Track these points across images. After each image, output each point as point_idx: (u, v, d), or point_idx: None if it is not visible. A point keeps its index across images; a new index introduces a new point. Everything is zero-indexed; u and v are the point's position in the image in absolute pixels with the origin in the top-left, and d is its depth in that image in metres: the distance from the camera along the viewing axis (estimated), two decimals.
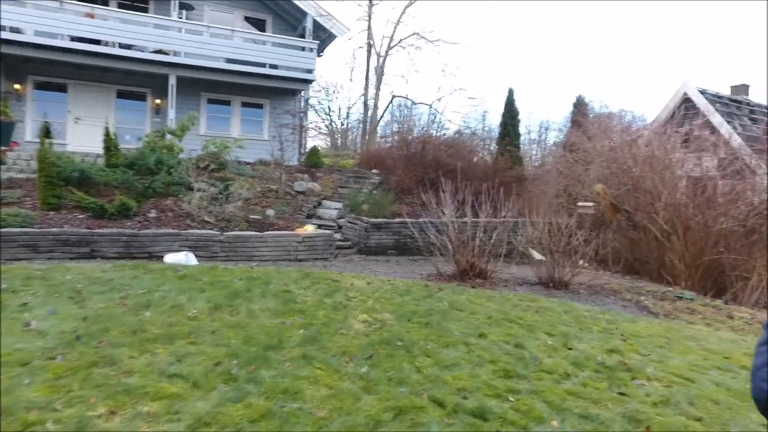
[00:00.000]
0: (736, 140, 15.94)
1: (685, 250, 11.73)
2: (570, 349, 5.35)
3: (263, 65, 18.61)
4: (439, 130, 21.47)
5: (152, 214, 10.95)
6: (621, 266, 12.08)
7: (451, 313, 6.28)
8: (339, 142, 36.51)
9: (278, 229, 11.30)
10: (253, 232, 10.54)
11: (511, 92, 22.55)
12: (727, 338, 6.63)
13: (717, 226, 11.47)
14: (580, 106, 22.19)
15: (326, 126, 40.43)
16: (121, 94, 18.70)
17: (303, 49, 19.23)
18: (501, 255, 9.43)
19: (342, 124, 38.04)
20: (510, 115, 21.84)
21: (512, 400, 3.89)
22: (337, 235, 12.94)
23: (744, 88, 22.50)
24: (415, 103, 23.26)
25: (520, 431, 3.42)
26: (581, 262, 9.43)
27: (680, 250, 11.71)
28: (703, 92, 19.16)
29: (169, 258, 8.56)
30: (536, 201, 13.11)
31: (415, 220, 11.56)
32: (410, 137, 18.56)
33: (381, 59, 23.04)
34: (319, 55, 22.86)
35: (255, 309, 5.86)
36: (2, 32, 14.91)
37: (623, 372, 4.72)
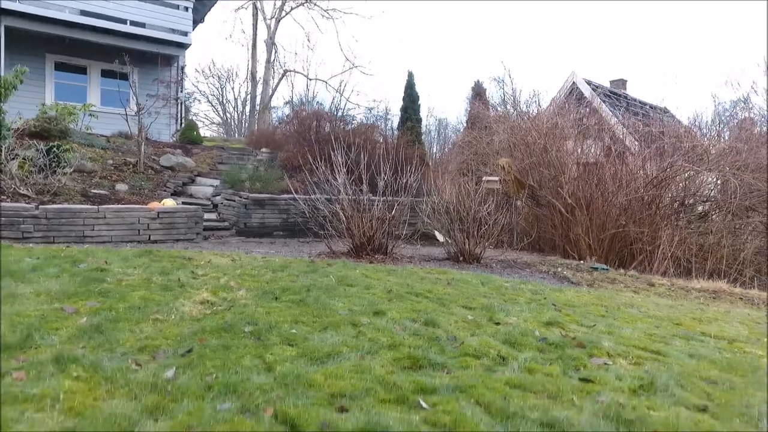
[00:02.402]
0: (620, 128, 16.25)
1: (590, 224, 11.18)
2: (497, 324, 3.88)
3: (124, 21, 15.54)
4: (342, 114, 19.71)
5: None
6: (527, 244, 11.25)
7: (338, 289, 4.57)
8: (236, 135, 33.31)
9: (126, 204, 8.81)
10: (87, 206, 8.00)
11: (411, 75, 21.38)
12: (664, 304, 5.66)
13: (618, 198, 11.06)
14: (478, 90, 21.72)
15: (219, 116, 36.86)
16: None
17: (177, 7, 16.39)
18: (402, 233, 7.94)
19: (239, 116, 34.88)
20: (410, 99, 20.70)
21: (426, 406, 2.26)
22: (212, 215, 10.67)
23: (622, 83, 23.79)
24: (311, 79, 21.24)
25: None
26: (487, 242, 8.27)
27: (585, 224, 11.13)
28: (589, 83, 19.68)
29: None
30: (440, 181, 11.90)
31: (307, 196, 9.67)
32: (304, 112, 16.61)
33: (271, 29, 20.71)
34: (200, 21, 20.00)
35: (28, 292, 3.69)
36: None
37: (575, 349, 3.31)
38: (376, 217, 7.32)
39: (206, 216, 9.89)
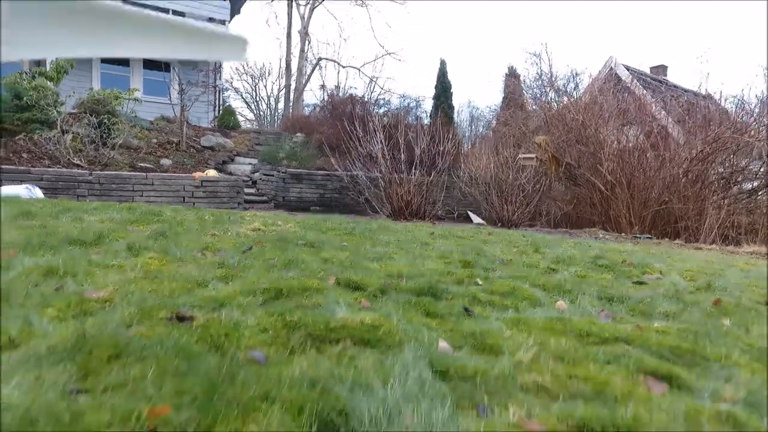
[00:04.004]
0: (661, 113, 15.77)
1: (631, 201, 10.91)
2: (543, 253, 3.87)
3: (166, 11, 16.03)
4: (375, 99, 19.82)
5: None
6: (562, 221, 11.08)
7: (382, 231, 4.63)
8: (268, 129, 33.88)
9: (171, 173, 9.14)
10: (136, 173, 8.34)
11: (443, 63, 21.31)
12: (714, 258, 5.50)
13: (661, 174, 10.76)
14: (512, 72, 21.43)
15: (253, 113, 37.55)
16: None
17: None
18: (440, 199, 7.95)
19: (272, 113, 35.46)
20: (443, 87, 20.63)
21: (481, 283, 2.28)
22: (251, 190, 10.93)
23: (663, 69, 23.01)
24: (344, 67, 21.48)
25: (503, 311, 1.82)
26: (525, 209, 8.18)
27: (626, 202, 10.86)
28: (628, 68, 19.15)
29: (5, 190, 6.25)
30: (474, 159, 11.83)
31: (345, 172, 9.75)
32: (338, 97, 16.78)
33: (305, 19, 21.05)
34: (237, 13, 20.47)
35: (92, 219, 3.91)
36: None
37: (627, 267, 3.28)
38: (413, 183, 7.37)
39: (246, 191, 10.15)
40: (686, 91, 20.90)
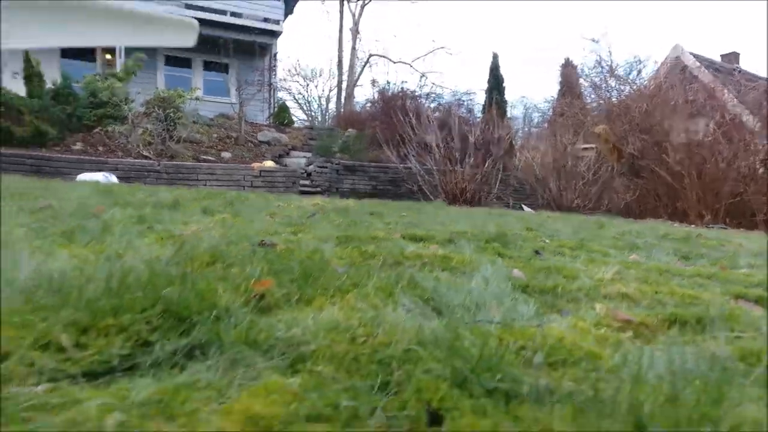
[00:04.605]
0: (734, 101, 14.75)
1: (702, 192, 10.28)
2: (607, 228, 3.74)
3: (224, 12, 16.69)
4: (427, 94, 19.76)
5: (77, 146, 9.09)
6: (626, 213, 10.60)
7: (440, 209, 4.63)
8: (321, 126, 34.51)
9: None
10: (200, 164, 8.75)
11: (495, 57, 20.93)
12: None
13: (738, 163, 10.08)
14: (569, 63, 20.73)
15: (304, 113, 38.34)
16: (66, 51, 16.44)
17: None
18: (494, 189, 7.83)
19: (323, 113, 36.14)
20: (495, 81, 20.30)
21: (547, 242, 2.25)
22: (306, 182, 11.19)
23: (735, 57, 21.50)
24: (395, 63, 21.58)
25: (575, 259, 1.78)
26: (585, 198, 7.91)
27: (696, 193, 10.25)
28: (696, 56, 18.00)
29: (83, 177, 6.75)
30: (531, 150, 11.52)
31: (396, 164, 9.78)
32: (389, 93, 16.86)
33: (356, 17, 21.34)
34: (290, 12, 20.99)
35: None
36: None
37: (701, 240, 3.12)
38: (467, 171, 7.32)
39: (301, 182, 10.42)
40: (760, 78, 19.44)
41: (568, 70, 14.65)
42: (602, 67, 12.54)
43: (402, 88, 16.82)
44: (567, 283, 1.21)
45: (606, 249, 2.05)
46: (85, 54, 17.04)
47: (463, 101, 21.34)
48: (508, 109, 20.84)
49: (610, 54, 13.49)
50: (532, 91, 42.50)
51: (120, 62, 15.45)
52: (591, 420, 0.50)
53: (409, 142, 8.38)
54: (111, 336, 0.67)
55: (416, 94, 17.12)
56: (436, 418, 0.54)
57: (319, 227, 2.40)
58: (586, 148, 11.36)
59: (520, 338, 0.74)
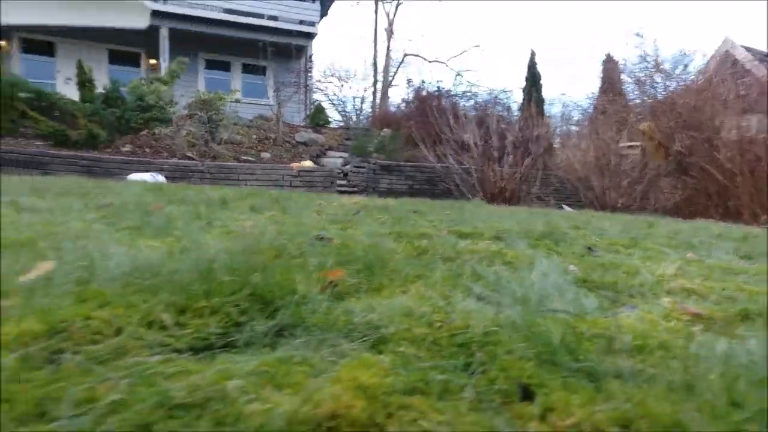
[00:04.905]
0: None
1: (755, 191, 9.81)
2: (656, 227, 3.64)
3: (262, 16, 17.05)
4: (462, 93, 19.62)
5: (126, 148, 9.49)
6: (674, 213, 10.22)
7: (480, 207, 4.62)
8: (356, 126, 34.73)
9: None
10: (240, 164, 8.99)
11: (533, 54, 20.60)
12: None
13: None
14: (610, 58, 20.15)
15: (339, 113, 38.66)
16: (114, 58, 17.16)
17: None
18: (533, 188, 7.71)
19: (357, 114, 36.37)
20: (532, 79, 19.95)
21: (597, 240, 2.22)
22: (343, 182, 11.31)
23: None
24: (430, 62, 21.54)
25: (629, 257, 1.76)
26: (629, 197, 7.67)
27: (749, 191, 9.78)
28: (749, 49, 17.11)
29: (133, 177, 7.04)
30: (572, 148, 11.24)
31: (433, 164, 9.76)
32: (424, 92, 16.82)
33: (390, 17, 21.43)
34: (325, 14, 21.22)
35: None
36: None
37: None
38: (506, 168, 7.24)
39: (338, 182, 10.55)
40: None
41: (610, 66, 14.28)
42: (647, 62, 12.13)
43: (438, 87, 16.77)
44: (627, 279, 1.20)
45: (660, 247, 2.01)
46: (131, 60, 17.76)
47: (501, 99, 21.03)
48: (546, 106, 20.44)
49: (656, 48, 13.01)
50: (572, 88, 41.51)
51: (164, 67, 16.00)
52: (683, 398, 0.52)
53: (446, 141, 8.36)
54: (205, 317, 0.73)
55: (452, 92, 17.03)
56: (527, 393, 0.56)
57: (366, 224, 2.45)
58: (630, 146, 11.03)
59: (593, 327, 0.76)
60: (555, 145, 11.07)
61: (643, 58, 12.10)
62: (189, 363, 0.62)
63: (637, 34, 12.25)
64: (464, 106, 15.52)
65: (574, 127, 16.12)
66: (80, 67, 10.69)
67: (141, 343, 0.65)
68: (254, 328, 0.72)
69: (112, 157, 8.59)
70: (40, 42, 16.52)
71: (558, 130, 22.24)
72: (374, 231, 2.04)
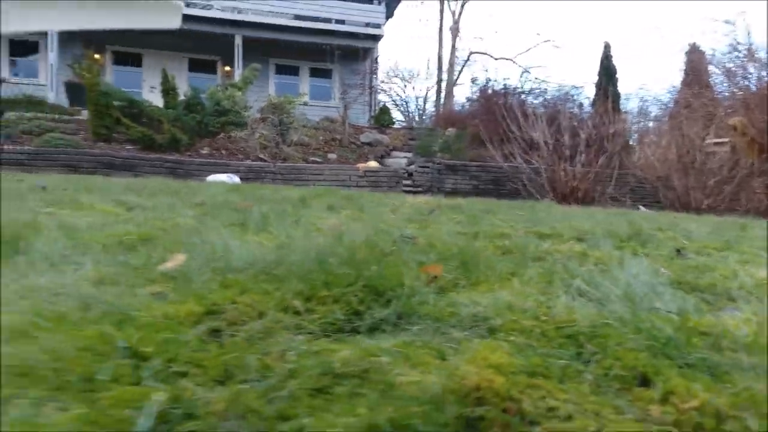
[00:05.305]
0: None
1: None
2: (750, 229, 3.42)
3: (330, 21, 17.49)
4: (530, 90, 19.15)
5: (204, 150, 10.13)
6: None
7: (553, 208, 4.53)
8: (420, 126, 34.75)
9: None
10: (309, 165, 9.32)
11: (607, 47, 19.69)
12: None
13: None
14: (694, 52, 18.85)
15: (402, 114, 38.84)
16: (193, 66, 18.30)
17: (371, 2, 17.88)
18: (608, 189, 7.40)
19: (420, 114, 36.41)
20: (606, 73, 19.06)
21: (686, 243, 2.14)
22: (407, 182, 11.41)
23: None
24: (496, 59, 21.17)
25: (723, 260, 1.69)
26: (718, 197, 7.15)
27: None
28: None
29: (212, 178, 7.52)
30: (651, 145, 10.62)
31: (500, 163, 9.59)
32: (490, 91, 16.54)
33: (455, 15, 21.27)
34: (390, 16, 21.42)
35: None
36: None
37: None
38: (579, 167, 7.01)
39: (403, 182, 10.66)
40: None
41: (695, 57, 13.37)
42: (738, 51, 11.21)
43: (504, 84, 16.44)
44: (725, 282, 1.18)
45: (758, 251, 1.91)
46: (208, 67, 18.85)
47: (572, 95, 20.25)
48: (622, 102, 19.47)
49: (749, 35, 11.96)
50: (651, 82, 39.21)
51: (237, 73, 16.85)
52: None
53: (514, 140, 8.21)
54: (329, 304, 0.82)
55: (519, 90, 16.64)
56: (645, 380, 0.60)
57: (442, 223, 2.50)
58: (717, 143, 10.27)
59: (699, 326, 0.77)
60: (631, 143, 10.54)
61: (733, 47, 11.20)
62: (327, 343, 0.71)
63: (728, 22, 11.33)
64: (532, 103, 15.13)
65: (651, 123, 15.23)
66: (165, 76, 11.48)
67: (281, 325, 0.76)
68: (373, 315, 0.80)
69: (192, 159, 9.19)
70: (128, 54, 17.95)
71: (634, 126, 21.10)
72: (452, 230, 2.09)
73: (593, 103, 18.09)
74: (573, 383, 0.60)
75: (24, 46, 17.05)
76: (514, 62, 21.10)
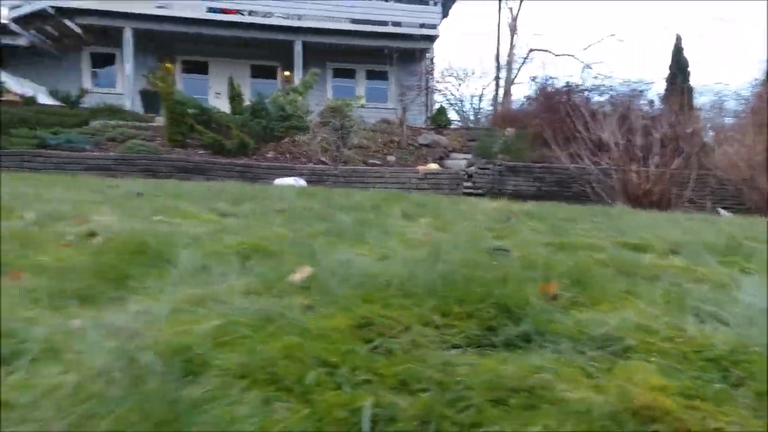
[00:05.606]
0: None
1: None
2: None
3: (386, 23, 17.67)
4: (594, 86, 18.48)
5: (270, 154, 10.53)
6: None
7: (627, 214, 4.39)
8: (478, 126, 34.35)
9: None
10: (370, 168, 9.48)
11: (678, 39, 18.71)
12: None
13: None
14: None
15: (456, 113, 38.53)
16: (254, 72, 19.04)
17: (427, 2, 17.90)
18: (686, 192, 7.03)
19: (475, 113, 35.97)
20: (678, 66, 18.09)
21: None
22: (467, 184, 11.34)
23: None
24: (557, 56, 20.59)
25: None
26: None
27: None
28: None
29: (279, 181, 7.83)
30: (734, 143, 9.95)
31: (566, 165, 9.32)
32: (550, 89, 16.08)
33: (514, 12, 20.88)
34: (445, 16, 21.32)
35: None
36: (154, 7, 15.95)
37: None
38: (653, 169, 6.71)
39: (464, 184, 10.62)
40: None
41: None
42: None
43: (567, 82, 15.94)
44: None
45: None
46: (269, 73, 19.55)
47: (642, 91, 19.32)
48: (695, 97, 18.40)
49: None
50: (727, 74, 36.67)
51: (297, 78, 17.37)
52: None
53: (581, 140, 7.97)
54: (464, 320, 0.89)
55: (583, 87, 16.08)
56: None
57: (522, 231, 2.51)
58: None
59: None
60: (706, 140, 9.94)
61: None
62: (474, 357, 0.78)
63: None
64: (598, 100, 14.58)
65: (729, 119, 14.28)
66: (231, 83, 12.02)
67: (427, 339, 0.83)
68: (507, 332, 0.86)
69: (259, 162, 9.59)
70: (196, 62, 18.93)
71: (710, 123, 19.84)
72: (535, 241, 2.10)
73: (663, 99, 17.17)
74: (729, 406, 0.63)
75: (103, 58, 18.37)
76: (575, 58, 20.41)
